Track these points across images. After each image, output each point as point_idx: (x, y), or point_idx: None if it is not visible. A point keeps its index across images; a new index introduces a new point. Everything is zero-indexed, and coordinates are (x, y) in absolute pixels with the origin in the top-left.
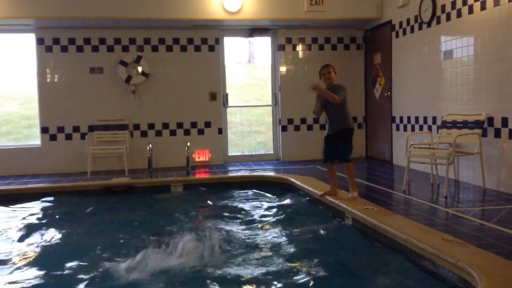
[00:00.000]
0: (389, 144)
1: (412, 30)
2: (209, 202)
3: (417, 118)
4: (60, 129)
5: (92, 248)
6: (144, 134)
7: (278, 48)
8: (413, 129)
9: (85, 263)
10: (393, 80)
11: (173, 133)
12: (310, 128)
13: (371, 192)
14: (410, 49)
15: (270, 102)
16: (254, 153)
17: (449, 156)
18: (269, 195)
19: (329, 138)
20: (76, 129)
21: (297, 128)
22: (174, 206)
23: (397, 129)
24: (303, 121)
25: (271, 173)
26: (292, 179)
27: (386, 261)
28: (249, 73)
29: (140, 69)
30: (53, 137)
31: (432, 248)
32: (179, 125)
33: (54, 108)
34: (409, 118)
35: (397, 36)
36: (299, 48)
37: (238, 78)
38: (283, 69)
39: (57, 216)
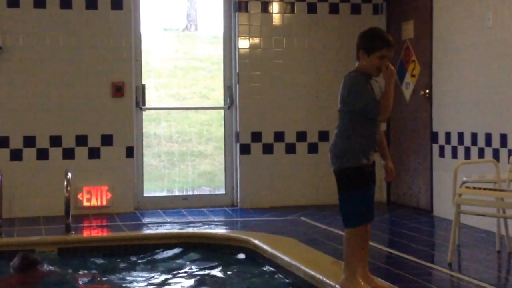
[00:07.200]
0: (427, 181)
1: None
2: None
3: (474, 136)
4: None
5: None
6: None
7: (236, 7)
8: (467, 154)
9: None
10: (435, 69)
11: (43, 154)
12: (291, 149)
13: (393, 265)
14: (464, 16)
15: (221, 102)
16: (191, 194)
17: None
18: (217, 271)
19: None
20: None
21: (268, 148)
22: None
23: (441, 154)
24: (279, 136)
25: (221, 230)
26: (257, 241)
27: None
28: (186, 50)
29: None
30: None
31: None
32: (55, 140)
33: None
34: (461, 135)
35: None
36: (273, 8)
37: (167, 58)
38: (244, 43)
39: None
